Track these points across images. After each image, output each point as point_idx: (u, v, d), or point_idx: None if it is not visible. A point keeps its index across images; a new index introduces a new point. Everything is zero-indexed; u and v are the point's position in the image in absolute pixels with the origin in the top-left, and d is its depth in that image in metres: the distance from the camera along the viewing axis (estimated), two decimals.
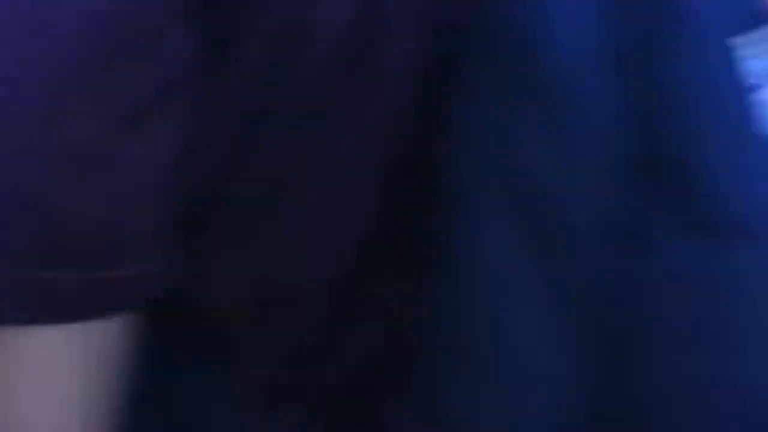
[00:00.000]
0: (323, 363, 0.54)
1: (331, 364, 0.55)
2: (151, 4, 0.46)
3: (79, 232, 0.46)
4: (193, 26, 0.47)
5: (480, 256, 0.48)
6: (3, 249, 0.46)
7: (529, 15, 0.50)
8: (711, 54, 0.52)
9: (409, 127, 0.52)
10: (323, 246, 0.52)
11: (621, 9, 0.50)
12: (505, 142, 0.49)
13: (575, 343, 0.48)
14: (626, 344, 0.49)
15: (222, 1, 0.48)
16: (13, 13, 0.46)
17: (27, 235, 0.46)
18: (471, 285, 0.48)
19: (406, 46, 0.52)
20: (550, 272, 0.47)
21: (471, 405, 0.48)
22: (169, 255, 0.49)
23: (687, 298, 0.48)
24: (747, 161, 0.52)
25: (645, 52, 0.50)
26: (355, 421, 0.53)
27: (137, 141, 0.47)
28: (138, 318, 0.51)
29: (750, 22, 0.55)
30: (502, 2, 0.50)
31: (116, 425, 0.52)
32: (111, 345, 0.50)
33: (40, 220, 0.46)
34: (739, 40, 0.54)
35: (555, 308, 0.48)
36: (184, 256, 0.50)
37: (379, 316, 0.54)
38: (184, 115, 0.48)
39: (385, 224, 0.52)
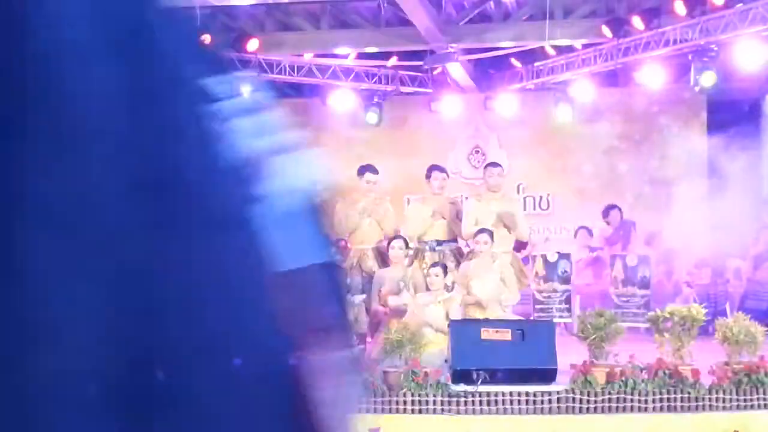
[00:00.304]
0: None
1: None
2: None
3: None
4: None
5: (36, 257, 0.64)
6: None
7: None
8: (185, 93, 0.75)
9: None
10: None
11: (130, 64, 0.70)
12: (35, 172, 0.65)
13: (114, 309, 0.67)
14: (152, 305, 0.68)
15: None
16: None
17: None
18: (32, 279, 0.65)
19: None
20: (90, 262, 0.66)
21: (49, 370, 0.64)
22: None
23: (188, 271, 0.70)
24: (219, 176, 0.74)
25: (137, 98, 0.70)
26: None
27: None
28: None
29: (217, 68, 0.80)
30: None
31: None
32: None
33: None
34: (209, 81, 0.77)
35: (97, 287, 0.66)
36: None
37: None
38: None
39: None
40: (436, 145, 13.25)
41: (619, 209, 10.77)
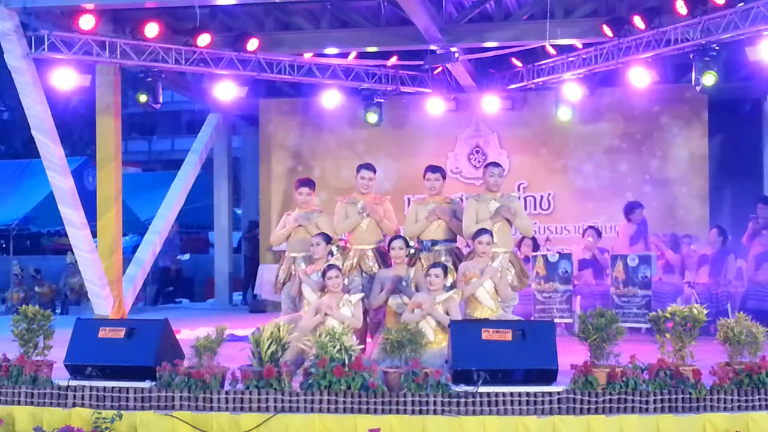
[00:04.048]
0: None
1: None
2: None
3: None
4: None
5: None
6: None
7: None
8: None
9: None
10: None
11: None
12: None
13: None
14: None
15: None
16: None
17: None
18: None
19: None
20: None
21: None
22: None
23: None
24: None
25: None
26: None
27: None
28: None
29: None
30: None
31: None
32: None
33: None
34: None
35: None
36: None
37: None
38: None
39: None
40: (436, 145, 13.24)
41: (642, 208, 10.77)
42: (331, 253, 7.41)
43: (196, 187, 14.39)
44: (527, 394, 5.59)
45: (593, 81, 11.75)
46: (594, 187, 12.94)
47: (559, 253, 10.07)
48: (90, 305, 10.74)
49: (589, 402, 5.57)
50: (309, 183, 8.07)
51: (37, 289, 14.29)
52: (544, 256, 9.84)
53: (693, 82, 9.65)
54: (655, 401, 5.58)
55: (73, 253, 11.44)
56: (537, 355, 5.82)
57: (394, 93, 12.29)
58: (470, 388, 5.62)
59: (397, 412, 5.56)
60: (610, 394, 5.58)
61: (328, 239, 7.42)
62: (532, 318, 9.42)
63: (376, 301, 7.23)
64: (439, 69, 12.03)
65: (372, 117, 12.34)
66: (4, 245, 18.65)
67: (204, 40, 10.34)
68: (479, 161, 12.94)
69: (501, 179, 7.74)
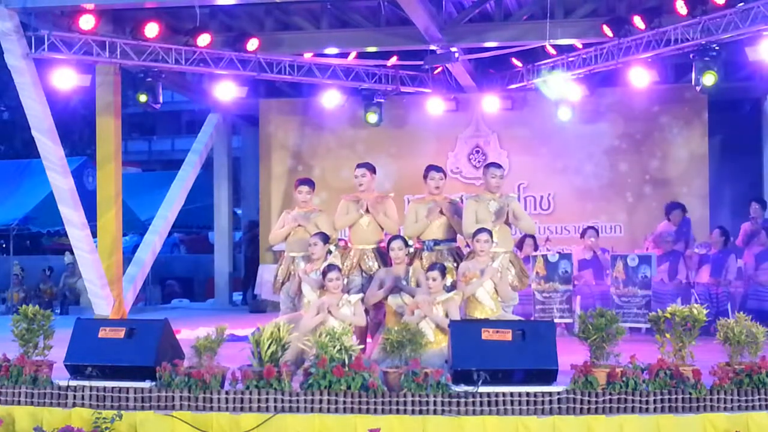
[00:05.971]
0: None
1: None
2: None
3: None
4: None
5: None
6: None
7: None
8: None
9: None
10: None
11: None
12: None
13: None
14: None
15: None
16: None
17: None
18: None
19: None
20: None
21: None
22: None
23: None
24: None
25: None
26: None
27: None
28: None
29: None
30: None
31: None
32: None
33: None
34: None
35: None
36: None
37: None
38: None
39: None
40: (436, 145, 13.24)
41: (683, 208, 10.77)
42: (329, 252, 7.41)
43: (196, 187, 14.38)
44: (527, 394, 5.59)
45: (593, 81, 11.75)
46: (594, 187, 12.94)
47: (559, 253, 10.06)
48: (90, 305, 10.73)
49: (589, 402, 5.57)
50: (308, 182, 8.08)
51: (42, 286, 14.31)
52: (544, 256, 9.84)
53: (693, 82, 9.65)
54: (655, 401, 5.58)
55: (71, 253, 11.43)
56: (537, 355, 5.81)
57: (394, 93, 12.29)
58: (470, 388, 5.62)
59: (397, 412, 5.56)
60: (610, 394, 5.58)
61: (326, 239, 7.42)
62: (532, 318, 9.41)
63: (373, 297, 7.20)
64: (439, 69, 12.03)
65: (372, 117, 12.35)
66: (4, 245, 18.64)
67: (204, 40, 10.35)
68: (479, 161, 12.93)
69: (502, 180, 7.75)
